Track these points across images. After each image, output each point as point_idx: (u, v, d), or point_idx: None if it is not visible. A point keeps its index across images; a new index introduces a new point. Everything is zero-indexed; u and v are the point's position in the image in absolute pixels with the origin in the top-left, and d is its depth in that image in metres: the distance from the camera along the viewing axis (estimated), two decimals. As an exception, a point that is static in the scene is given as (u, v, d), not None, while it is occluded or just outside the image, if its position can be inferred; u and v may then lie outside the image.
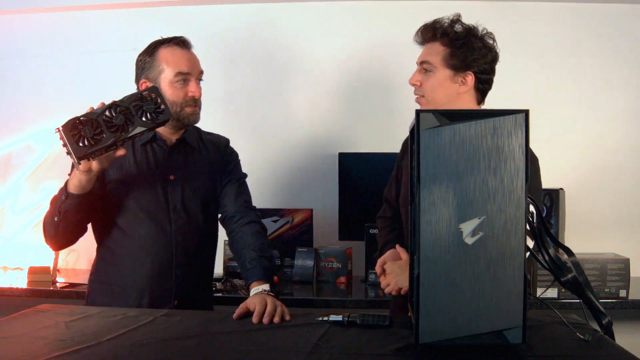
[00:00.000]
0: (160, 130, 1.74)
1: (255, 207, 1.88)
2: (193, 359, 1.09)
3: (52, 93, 2.97)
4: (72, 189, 1.56)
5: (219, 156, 1.85)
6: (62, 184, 1.61)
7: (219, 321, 1.31)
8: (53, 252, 2.67)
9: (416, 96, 1.72)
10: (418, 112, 1.04)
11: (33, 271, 2.56)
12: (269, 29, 2.87)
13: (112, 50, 2.93)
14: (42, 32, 2.96)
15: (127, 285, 1.70)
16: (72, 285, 2.54)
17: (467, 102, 1.67)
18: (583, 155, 2.74)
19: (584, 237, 2.61)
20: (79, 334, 1.20)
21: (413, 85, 1.71)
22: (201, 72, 1.76)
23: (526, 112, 1.03)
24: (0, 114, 3.00)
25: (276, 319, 1.35)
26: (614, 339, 1.18)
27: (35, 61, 2.97)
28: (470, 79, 1.65)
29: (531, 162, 1.61)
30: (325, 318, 1.28)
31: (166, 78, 1.70)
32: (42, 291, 2.48)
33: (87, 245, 3.00)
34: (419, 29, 1.72)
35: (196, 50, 1.80)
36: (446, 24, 1.66)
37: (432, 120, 1.03)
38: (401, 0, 2.78)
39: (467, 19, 1.74)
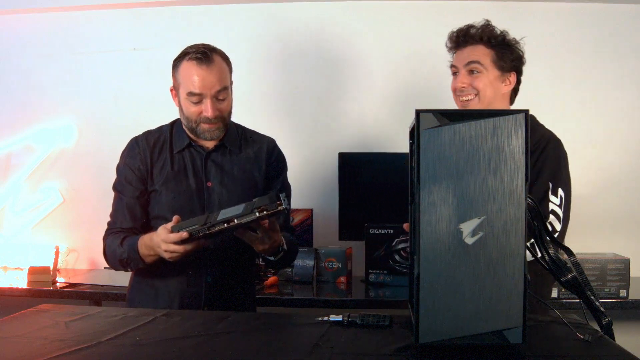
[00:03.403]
0: (196, 137, 1.75)
1: (292, 227, 1.89)
2: (193, 359, 1.09)
3: (52, 93, 2.97)
4: (150, 261, 1.63)
5: (264, 159, 1.81)
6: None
7: (219, 321, 1.31)
8: (53, 252, 2.67)
9: (465, 99, 1.73)
10: (418, 112, 1.04)
11: (33, 271, 2.56)
12: (269, 29, 2.87)
13: (112, 50, 2.93)
14: (42, 32, 2.96)
15: (159, 288, 1.72)
16: (72, 285, 2.54)
17: (505, 102, 1.77)
18: (583, 155, 2.73)
19: (584, 237, 2.61)
20: (79, 334, 1.20)
21: (461, 87, 1.72)
22: (220, 90, 1.67)
23: (526, 112, 1.03)
24: (0, 114, 3.01)
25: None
26: (614, 339, 1.18)
27: (35, 61, 2.97)
28: (513, 78, 1.75)
29: (555, 148, 1.68)
30: (325, 318, 1.28)
31: (182, 93, 1.70)
32: (42, 291, 2.49)
33: (87, 245, 3.02)
34: (455, 33, 1.77)
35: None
36: (486, 28, 1.73)
37: (432, 120, 1.03)
38: (402, 1, 2.78)
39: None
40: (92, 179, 2.90)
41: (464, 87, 1.72)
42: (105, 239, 1.75)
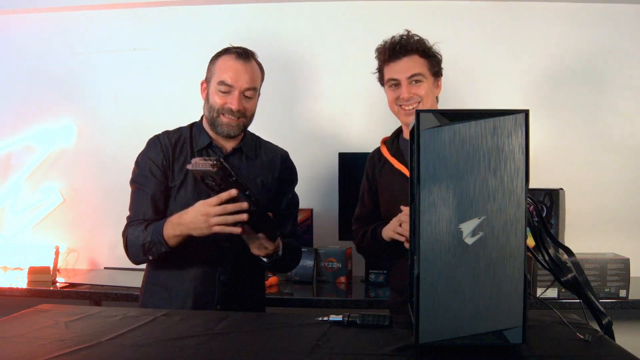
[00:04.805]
0: (216, 137, 1.79)
1: (299, 234, 1.92)
2: (193, 359, 1.09)
3: (52, 93, 2.97)
4: (174, 242, 1.62)
5: (277, 169, 1.87)
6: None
7: (219, 321, 1.31)
8: (53, 252, 2.67)
9: (411, 107, 1.80)
10: (418, 112, 1.04)
11: (33, 271, 2.56)
12: (268, 30, 2.87)
13: (112, 50, 2.93)
14: (42, 32, 2.96)
15: (172, 288, 1.73)
16: (72, 285, 2.54)
17: (436, 105, 1.87)
18: (583, 155, 2.74)
19: (584, 237, 2.61)
20: (79, 334, 1.20)
21: (408, 97, 1.80)
22: (249, 88, 1.75)
23: (526, 112, 1.03)
24: (0, 114, 3.00)
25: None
26: (614, 339, 1.18)
27: (35, 61, 2.97)
28: (441, 82, 1.85)
29: None
30: (325, 318, 1.28)
31: (213, 83, 1.75)
32: (42, 291, 2.48)
33: (87, 245, 3.01)
34: (388, 45, 1.84)
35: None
36: (416, 38, 1.81)
37: (432, 120, 1.03)
38: (402, 0, 2.78)
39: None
40: (92, 179, 2.90)
41: (410, 96, 1.79)
42: (125, 231, 1.74)
